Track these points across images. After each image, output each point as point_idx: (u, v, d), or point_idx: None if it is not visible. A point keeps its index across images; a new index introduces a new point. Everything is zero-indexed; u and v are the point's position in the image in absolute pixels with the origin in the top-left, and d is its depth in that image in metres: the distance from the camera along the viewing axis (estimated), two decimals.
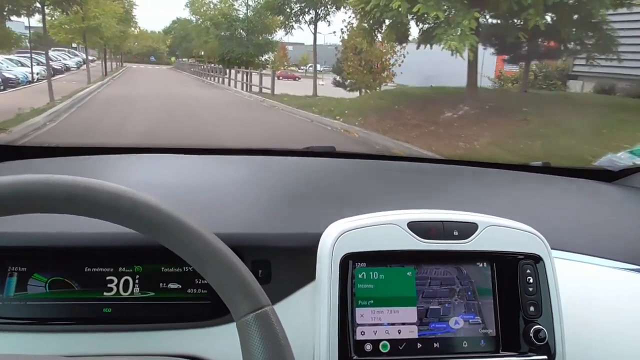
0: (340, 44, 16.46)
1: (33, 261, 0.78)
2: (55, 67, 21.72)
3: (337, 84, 18.26)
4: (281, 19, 19.02)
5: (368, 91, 15.21)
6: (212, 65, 28.65)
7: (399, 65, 13.79)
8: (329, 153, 1.46)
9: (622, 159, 1.38)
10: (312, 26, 18.33)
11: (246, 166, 1.26)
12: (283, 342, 0.55)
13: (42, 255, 0.79)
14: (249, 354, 0.54)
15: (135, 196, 0.55)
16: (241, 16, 22.29)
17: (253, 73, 19.38)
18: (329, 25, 19.70)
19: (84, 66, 29.79)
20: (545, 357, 0.80)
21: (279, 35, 22.22)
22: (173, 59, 76.72)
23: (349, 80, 16.59)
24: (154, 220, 0.56)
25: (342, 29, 19.01)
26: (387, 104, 10.54)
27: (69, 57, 32.38)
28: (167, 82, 24.47)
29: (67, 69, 24.08)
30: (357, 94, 16.31)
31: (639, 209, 1.23)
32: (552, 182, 1.35)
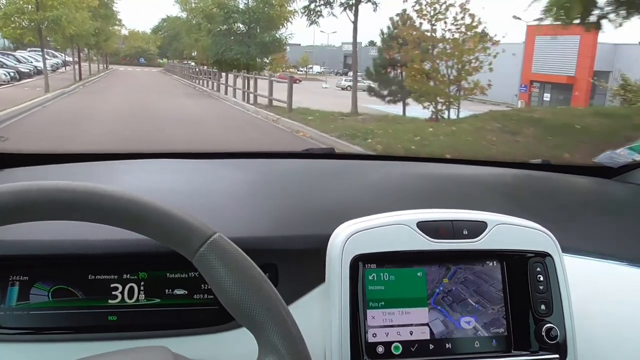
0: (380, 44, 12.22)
1: (35, 270, 0.76)
2: (22, 69, 20.00)
3: (372, 92, 13.99)
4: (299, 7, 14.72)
5: (435, 106, 10.81)
6: (206, 68, 25.38)
7: (490, 69, 9.48)
8: (329, 154, 1.45)
9: (622, 155, 1.38)
10: (349, 11, 13.86)
11: (247, 169, 1.24)
12: (243, 257, 0.56)
13: (44, 264, 0.77)
14: (217, 281, 0.55)
15: (42, 185, 0.54)
16: (241, 6, 17.90)
17: (258, 79, 16.07)
18: (375, 9, 13.69)
19: (68, 68, 27.73)
20: (557, 355, 0.79)
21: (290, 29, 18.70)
22: (165, 60, 71.33)
23: (388, 90, 12.36)
24: (73, 201, 0.54)
25: (394, 16, 14.36)
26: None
27: (48, 58, 31.86)
28: (150, 89, 21.40)
29: (38, 72, 21.39)
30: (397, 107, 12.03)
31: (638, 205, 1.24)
32: (552, 179, 1.34)
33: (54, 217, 0.54)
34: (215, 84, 20.10)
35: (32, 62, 32.54)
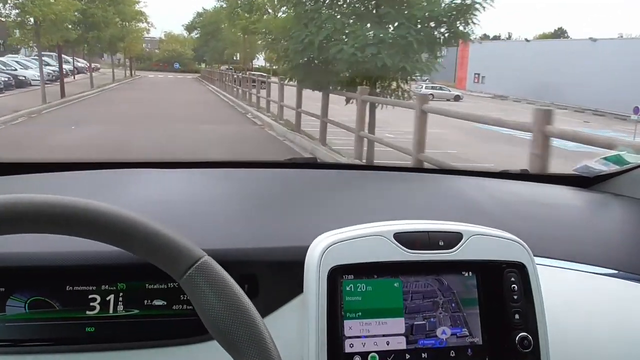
0: None
1: (11, 281, 0.74)
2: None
3: None
4: None
5: None
6: (265, 77, 19.46)
7: None
8: (311, 164, 1.47)
9: (597, 165, 1.39)
10: None
11: (227, 179, 1.23)
12: (231, 282, 0.56)
13: (21, 275, 0.75)
14: (202, 304, 0.55)
15: (34, 199, 0.53)
16: None
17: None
18: None
19: (72, 77, 27.31)
20: None
21: None
22: (203, 66, 59.94)
23: None
24: (62, 216, 0.53)
25: None
26: None
27: (49, 64, 25.94)
28: (163, 116, 14.67)
29: (26, 83, 21.21)
30: None
31: (614, 214, 1.26)
32: (529, 189, 1.34)
33: (41, 230, 0.54)
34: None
35: (15, 70, 23.28)
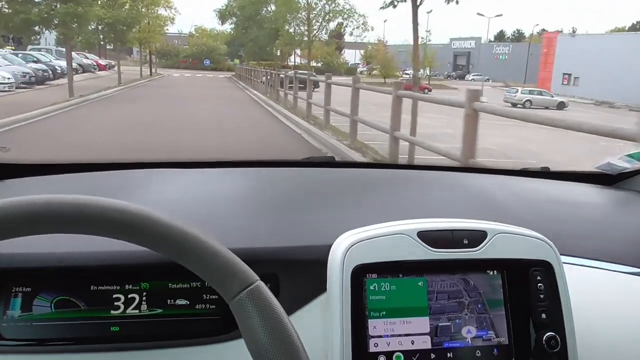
0: None
1: (37, 281, 0.75)
2: None
3: None
4: None
5: None
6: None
7: None
8: (329, 163, 1.45)
9: (621, 162, 1.35)
10: None
11: (246, 178, 1.22)
12: (279, 311, 0.55)
13: (47, 275, 0.75)
14: (249, 329, 0.54)
15: (101, 202, 0.54)
16: None
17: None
18: None
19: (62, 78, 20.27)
20: None
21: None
22: (236, 62, 50.57)
23: None
24: (124, 222, 0.54)
25: None
26: None
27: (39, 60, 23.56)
28: None
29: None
30: None
31: (639, 212, 1.21)
32: (551, 186, 1.31)
33: (103, 234, 0.55)
34: None
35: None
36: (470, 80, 65.16)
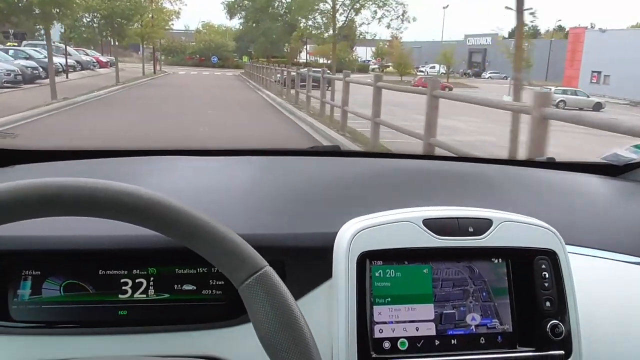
0: None
1: (47, 264, 0.76)
2: None
3: None
4: None
5: None
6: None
7: None
8: (334, 152, 1.46)
9: (627, 153, 1.36)
10: None
11: (252, 167, 1.24)
12: (287, 296, 0.57)
13: (56, 259, 0.77)
14: (257, 314, 0.56)
15: (111, 185, 0.55)
16: None
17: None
18: None
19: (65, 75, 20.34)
20: (562, 352, 0.78)
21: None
22: (245, 59, 48.01)
23: None
24: (135, 206, 0.56)
25: None
26: None
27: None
28: None
29: None
30: None
31: None
32: (557, 177, 1.32)
33: (114, 217, 0.56)
34: None
35: None
36: (487, 78, 62.69)
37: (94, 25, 21.13)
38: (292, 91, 16.78)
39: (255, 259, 0.58)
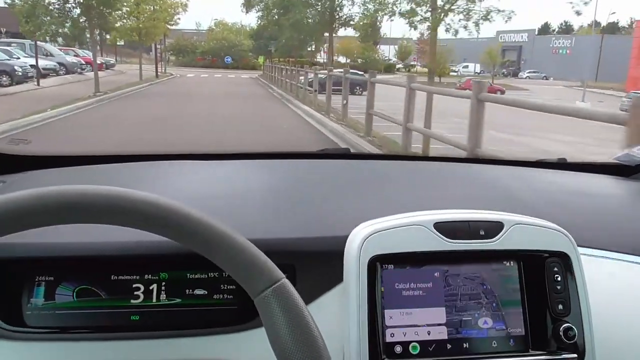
0: None
1: (60, 270, 0.79)
2: None
3: None
4: None
5: None
6: None
7: None
8: (344, 155, 1.46)
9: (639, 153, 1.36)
10: None
11: (263, 170, 1.25)
12: (304, 310, 0.57)
13: (69, 265, 0.80)
14: (273, 328, 0.57)
15: (132, 194, 0.57)
16: None
17: None
18: None
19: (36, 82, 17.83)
20: (574, 355, 0.80)
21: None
22: (261, 60, 42.24)
23: None
24: (155, 215, 0.57)
25: None
26: None
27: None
28: None
29: None
30: None
31: None
32: (569, 178, 1.32)
33: (133, 225, 0.58)
34: None
35: None
36: (525, 78, 56.92)
37: (67, 14, 16.02)
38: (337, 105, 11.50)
39: (273, 270, 0.59)
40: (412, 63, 63.19)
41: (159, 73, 26.86)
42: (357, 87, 17.30)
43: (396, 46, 63.08)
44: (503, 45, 67.68)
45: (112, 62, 28.71)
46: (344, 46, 49.69)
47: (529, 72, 58.43)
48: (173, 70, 36.36)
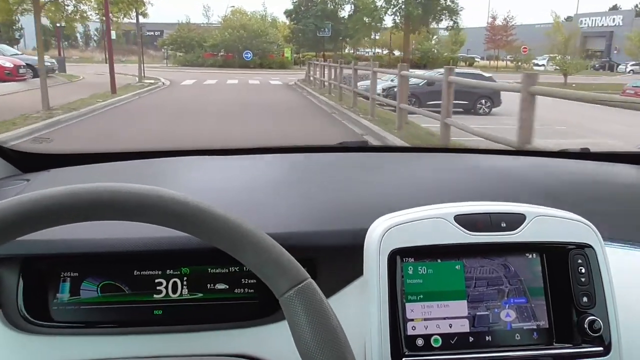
0: None
1: (84, 266, 0.85)
2: None
3: None
4: None
5: None
6: None
7: None
8: (363, 147, 1.47)
9: None
10: None
11: (281, 164, 1.29)
12: (328, 310, 0.60)
13: (93, 260, 0.86)
14: (298, 327, 0.59)
15: (161, 193, 0.61)
16: None
17: None
18: None
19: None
20: (600, 348, 0.82)
21: None
22: (288, 56, 26.67)
23: None
24: (183, 214, 0.60)
25: None
26: None
27: None
28: None
29: None
30: None
31: None
32: (592, 167, 1.34)
33: (160, 223, 0.61)
34: None
35: None
36: (629, 72, 43.62)
37: None
38: None
39: (297, 270, 0.61)
40: (473, 55, 51.62)
41: (137, 79, 15.31)
42: (483, 100, 13.30)
43: (437, 36, 51.35)
44: (584, 31, 54.85)
45: (53, 63, 17.36)
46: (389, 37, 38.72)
47: (633, 65, 46.00)
48: (167, 73, 24.99)
